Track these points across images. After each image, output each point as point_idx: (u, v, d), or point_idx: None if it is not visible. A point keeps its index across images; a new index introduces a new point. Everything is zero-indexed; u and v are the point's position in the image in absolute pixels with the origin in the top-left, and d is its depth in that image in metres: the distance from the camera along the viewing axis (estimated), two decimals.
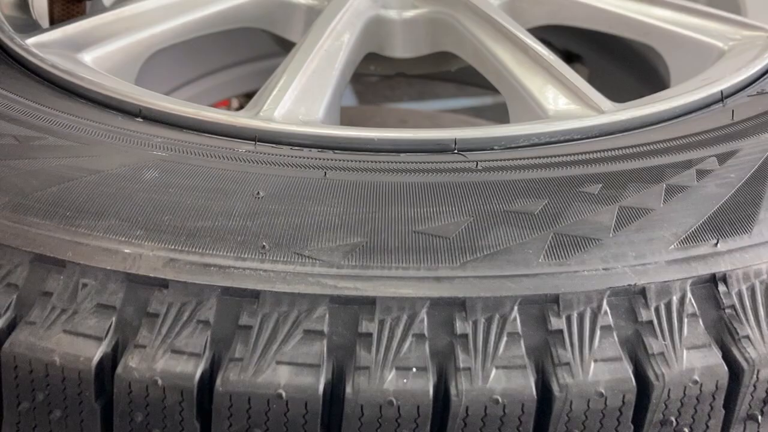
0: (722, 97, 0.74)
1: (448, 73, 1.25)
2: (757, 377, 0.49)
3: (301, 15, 1.04)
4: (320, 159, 0.61)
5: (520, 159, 0.60)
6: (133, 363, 0.46)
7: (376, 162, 0.60)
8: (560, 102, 0.78)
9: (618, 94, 0.84)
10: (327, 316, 0.47)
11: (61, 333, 0.48)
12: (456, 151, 0.64)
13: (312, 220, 0.52)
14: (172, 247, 0.50)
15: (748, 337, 0.49)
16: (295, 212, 0.53)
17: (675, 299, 0.49)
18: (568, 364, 0.47)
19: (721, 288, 0.50)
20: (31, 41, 0.83)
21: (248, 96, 1.52)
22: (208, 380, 0.46)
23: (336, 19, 0.91)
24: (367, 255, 0.50)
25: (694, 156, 0.60)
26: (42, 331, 0.48)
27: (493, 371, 0.46)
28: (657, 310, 0.49)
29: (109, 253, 0.50)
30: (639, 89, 1.18)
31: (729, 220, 0.53)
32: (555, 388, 0.46)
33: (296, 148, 0.64)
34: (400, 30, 1.01)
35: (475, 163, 0.59)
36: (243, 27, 1.09)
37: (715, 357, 0.48)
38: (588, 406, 0.46)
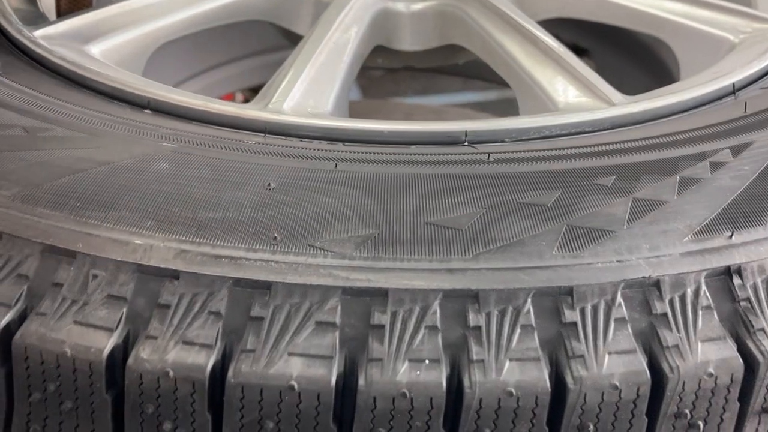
0: (734, 90, 0.73)
1: (455, 67, 1.24)
2: None
3: (308, 8, 1.04)
4: (330, 151, 0.60)
5: (532, 151, 0.60)
6: (144, 354, 0.46)
7: (386, 154, 0.60)
8: (570, 94, 0.77)
9: (625, 88, 0.83)
10: (339, 307, 0.47)
11: (72, 324, 0.47)
12: (467, 144, 0.64)
13: (323, 211, 0.52)
14: (183, 238, 0.50)
15: (763, 329, 0.49)
16: (306, 203, 0.52)
17: (689, 291, 0.49)
18: (582, 356, 0.46)
19: (736, 280, 0.50)
20: (38, 33, 0.82)
21: (253, 90, 1.52)
22: (219, 372, 0.46)
23: (344, 12, 0.91)
24: (379, 246, 0.49)
25: (708, 148, 0.60)
26: (53, 322, 0.48)
27: (507, 363, 0.46)
28: (671, 302, 0.48)
29: (120, 244, 0.49)
30: (646, 83, 1.18)
31: (743, 212, 0.53)
32: (569, 380, 0.46)
33: (306, 140, 0.63)
34: (408, 22, 1.00)
35: (487, 155, 0.59)
36: (250, 20, 1.08)
37: (730, 350, 0.48)
38: (602, 398, 0.46)
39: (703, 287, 0.49)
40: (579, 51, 1.42)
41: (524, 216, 0.52)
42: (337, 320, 0.47)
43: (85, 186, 0.53)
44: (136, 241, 0.50)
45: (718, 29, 0.92)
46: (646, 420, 0.47)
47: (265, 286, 0.48)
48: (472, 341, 0.46)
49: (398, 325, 0.47)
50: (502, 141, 0.64)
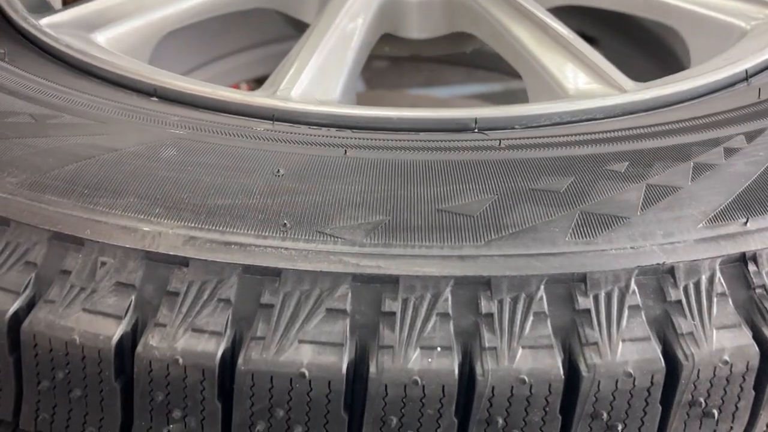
0: (747, 76, 0.73)
1: (462, 56, 1.23)
2: None
3: None
4: (339, 137, 0.60)
5: (544, 137, 0.59)
6: (153, 342, 0.46)
7: (397, 140, 0.59)
8: (581, 81, 0.77)
9: (633, 77, 0.82)
10: (349, 294, 0.46)
11: (81, 311, 0.47)
12: (476, 131, 0.63)
13: (333, 198, 0.51)
14: (192, 225, 0.49)
15: None
16: (316, 190, 0.52)
17: (704, 278, 0.48)
18: (595, 343, 0.46)
19: (751, 267, 0.49)
20: (44, 21, 0.82)
21: (258, 81, 1.51)
22: (229, 359, 0.46)
23: (351, 0, 0.90)
24: (390, 233, 0.49)
25: (722, 134, 0.59)
26: (61, 310, 0.47)
27: (520, 351, 0.45)
28: (686, 289, 0.48)
29: (128, 231, 0.49)
30: (654, 72, 1.17)
31: (759, 198, 0.52)
32: (582, 368, 0.45)
33: (314, 127, 0.63)
34: (416, 10, 1.00)
35: (498, 141, 0.58)
36: (256, 8, 1.08)
37: (745, 337, 0.47)
38: (616, 386, 0.45)
39: (718, 274, 0.48)
40: (586, 39, 1.40)
41: (537, 202, 0.51)
42: (348, 307, 0.46)
43: (92, 173, 0.53)
44: (145, 228, 0.49)
45: (729, 16, 0.91)
46: (660, 408, 0.47)
47: (275, 273, 0.47)
48: (485, 328, 0.46)
49: (409, 312, 0.46)
50: (512, 128, 0.64)
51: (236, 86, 1.63)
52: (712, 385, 0.47)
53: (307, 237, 0.49)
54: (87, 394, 0.48)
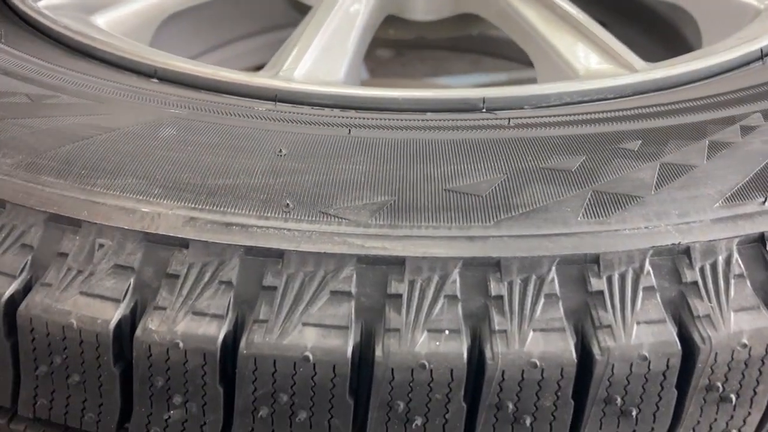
0: (762, 55, 0.71)
1: (468, 42, 1.21)
2: None
3: None
4: (343, 117, 0.58)
5: (555, 116, 0.58)
6: (152, 325, 0.44)
7: (402, 120, 0.58)
8: (591, 61, 0.75)
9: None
10: (354, 276, 0.45)
11: (78, 295, 0.46)
12: (485, 111, 0.61)
13: (337, 178, 0.50)
14: (192, 205, 0.48)
15: None
16: (320, 170, 0.50)
17: (721, 259, 0.47)
18: (609, 326, 0.44)
19: None
20: (42, 4, 0.81)
21: (259, 68, 1.49)
22: (231, 343, 0.44)
23: None
24: (396, 214, 0.47)
25: (737, 112, 0.57)
26: (58, 293, 0.46)
27: (531, 334, 0.44)
28: (702, 270, 0.46)
29: (127, 212, 0.48)
30: (664, 55, 1.15)
31: None
32: (596, 351, 0.44)
33: (317, 107, 0.61)
34: None
35: (507, 119, 0.57)
36: None
37: (764, 319, 0.45)
38: (630, 370, 0.44)
39: (735, 255, 0.47)
40: None
41: (548, 181, 0.49)
42: (353, 289, 0.45)
43: (90, 153, 0.52)
44: (144, 209, 0.48)
45: None
46: (676, 393, 0.45)
47: (278, 255, 0.46)
48: (494, 311, 0.44)
49: (416, 294, 0.45)
50: (521, 108, 0.62)
51: None
52: (729, 369, 0.45)
53: (310, 218, 0.47)
54: (85, 379, 0.46)
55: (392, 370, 0.43)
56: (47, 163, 0.51)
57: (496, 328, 0.44)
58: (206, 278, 0.46)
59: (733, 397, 0.46)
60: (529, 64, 0.88)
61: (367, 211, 0.47)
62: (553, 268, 0.45)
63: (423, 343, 0.43)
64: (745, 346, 0.45)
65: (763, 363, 0.46)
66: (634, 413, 0.45)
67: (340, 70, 0.74)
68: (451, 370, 0.43)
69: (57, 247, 0.47)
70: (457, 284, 0.45)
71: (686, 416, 0.46)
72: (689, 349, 0.45)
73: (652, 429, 0.46)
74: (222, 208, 0.47)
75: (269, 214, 0.47)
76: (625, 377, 0.44)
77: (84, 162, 0.51)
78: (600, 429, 0.45)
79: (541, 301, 0.45)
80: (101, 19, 0.85)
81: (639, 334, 0.44)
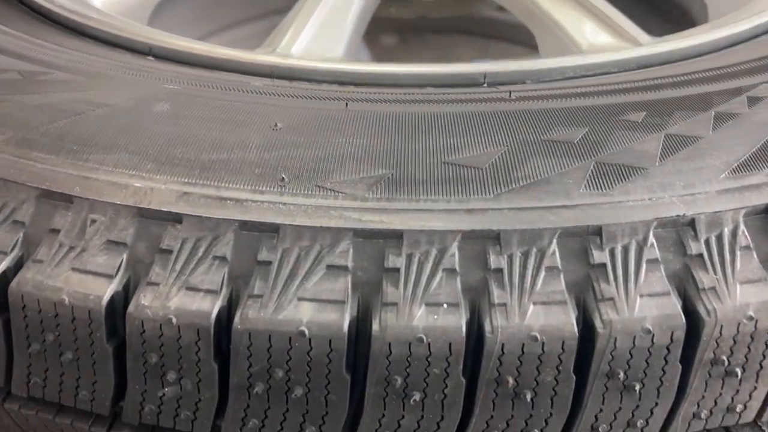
0: None
1: (474, 23, 1.20)
2: None
3: None
4: (341, 92, 0.57)
5: (557, 88, 0.56)
6: (145, 301, 0.44)
7: (401, 94, 0.56)
8: (594, 35, 0.73)
9: None
10: (351, 250, 0.44)
11: (70, 271, 0.45)
12: (486, 86, 0.60)
13: (334, 151, 0.49)
14: (186, 180, 0.47)
15: None
16: (316, 144, 0.49)
17: (727, 231, 0.45)
18: (612, 299, 0.43)
19: None
20: None
21: None
22: (225, 318, 0.44)
23: None
24: (394, 187, 0.46)
25: (745, 83, 0.56)
26: (50, 270, 0.45)
27: (531, 307, 0.43)
28: (707, 242, 0.45)
29: (119, 188, 0.47)
30: (670, 31, 1.13)
31: None
32: (598, 324, 0.43)
33: (315, 83, 0.60)
34: None
35: (509, 92, 0.55)
36: None
37: None
38: (633, 343, 0.43)
39: (742, 226, 0.46)
40: None
41: (549, 154, 0.48)
42: (349, 264, 0.44)
43: (82, 128, 0.51)
44: (136, 184, 0.47)
45: None
46: (680, 367, 0.44)
47: (273, 229, 0.45)
48: (494, 284, 0.43)
49: (414, 268, 0.44)
50: (523, 83, 0.61)
51: None
52: (735, 343, 0.44)
53: (306, 191, 0.46)
54: (79, 357, 0.46)
55: (389, 344, 0.42)
56: (39, 138, 0.50)
57: (496, 301, 0.43)
58: (200, 253, 0.45)
59: (738, 371, 0.45)
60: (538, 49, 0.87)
61: (364, 185, 0.46)
62: (554, 241, 0.44)
63: (421, 317, 0.42)
64: (751, 318, 0.43)
65: None
66: (637, 388, 0.44)
67: (338, 48, 0.73)
68: (450, 344, 0.42)
69: (49, 223, 0.47)
70: (456, 258, 0.44)
71: (691, 391, 0.45)
72: (694, 323, 0.43)
73: (656, 404, 0.45)
74: (216, 183, 0.47)
75: (264, 188, 0.46)
76: (627, 351, 0.43)
77: (76, 137, 0.50)
78: (602, 404, 0.44)
79: (542, 274, 0.44)
80: (97, 0, 0.84)
81: (642, 307, 0.43)
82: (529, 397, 0.43)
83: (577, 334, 0.42)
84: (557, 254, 0.44)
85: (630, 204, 0.45)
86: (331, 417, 0.44)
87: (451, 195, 0.46)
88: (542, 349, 0.42)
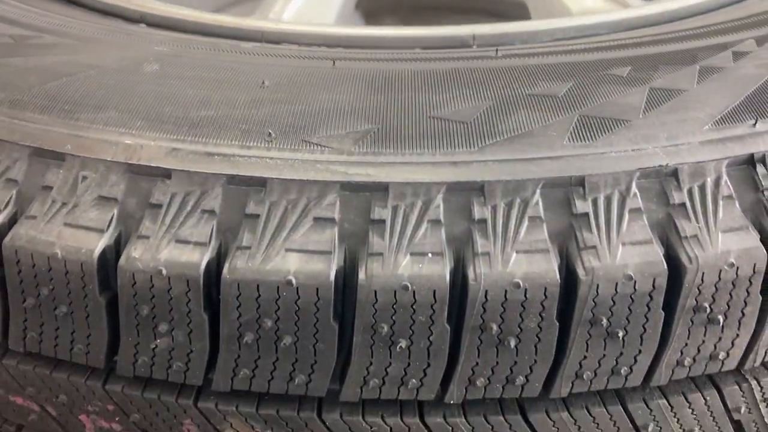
0: None
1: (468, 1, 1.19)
2: None
3: None
4: (329, 51, 0.57)
5: (543, 46, 0.57)
6: (136, 254, 0.44)
7: (388, 53, 0.57)
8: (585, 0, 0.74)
9: None
10: (338, 203, 0.45)
11: (62, 226, 0.46)
12: (475, 48, 0.61)
13: (320, 107, 0.49)
14: (174, 136, 0.47)
15: None
16: (302, 100, 0.50)
17: (709, 181, 0.46)
18: (594, 247, 0.44)
19: (760, 169, 0.47)
20: None
21: None
22: (215, 270, 0.44)
23: None
24: (379, 141, 0.47)
25: (730, 39, 0.56)
26: (43, 225, 0.46)
27: (514, 255, 0.43)
28: (690, 192, 0.46)
29: (110, 145, 0.47)
30: None
31: None
32: (580, 271, 0.43)
33: (304, 46, 0.61)
34: None
35: (495, 50, 0.56)
36: None
37: (752, 240, 0.45)
38: (616, 290, 0.43)
39: (724, 176, 0.46)
40: None
41: (533, 107, 0.49)
42: (336, 216, 0.44)
43: (74, 89, 0.51)
44: (127, 141, 0.47)
45: None
46: (663, 314, 0.45)
47: (261, 183, 0.45)
48: (477, 234, 0.44)
49: (399, 219, 0.44)
50: (512, 45, 0.61)
51: None
52: (717, 290, 0.45)
53: (292, 146, 0.47)
54: (73, 310, 0.47)
55: (375, 292, 0.43)
56: (31, 99, 0.51)
57: (479, 250, 0.44)
58: (189, 207, 0.45)
59: (720, 318, 0.45)
60: None
61: (350, 139, 0.47)
62: (538, 191, 0.45)
63: (406, 266, 0.43)
64: (732, 265, 0.44)
65: (751, 283, 0.45)
66: (620, 335, 0.45)
67: (329, 16, 0.74)
68: (434, 292, 0.43)
69: (41, 180, 0.47)
70: (441, 209, 0.45)
71: (674, 338, 0.46)
72: (676, 270, 0.44)
73: (639, 351, 0.46)
74: (204, 139, 0.47)
75: (251, 144, 0.47)
76: (610, 298, 0.44)
77: (67, 98, 0.51)
78: (586, 351, 0.45)
79: (525, 223, 0.44)
80: None
81: (624, 254, 0.43)
82: (513, 343, 0.44)
83: (559, 280, 0.43)
84: (540, 204, 0.45)
85: (613, 155, 0.46)
86: (320, 366, 0.45)
87: (437, 148, 0.47)
88: (525, 296, 0.43)
